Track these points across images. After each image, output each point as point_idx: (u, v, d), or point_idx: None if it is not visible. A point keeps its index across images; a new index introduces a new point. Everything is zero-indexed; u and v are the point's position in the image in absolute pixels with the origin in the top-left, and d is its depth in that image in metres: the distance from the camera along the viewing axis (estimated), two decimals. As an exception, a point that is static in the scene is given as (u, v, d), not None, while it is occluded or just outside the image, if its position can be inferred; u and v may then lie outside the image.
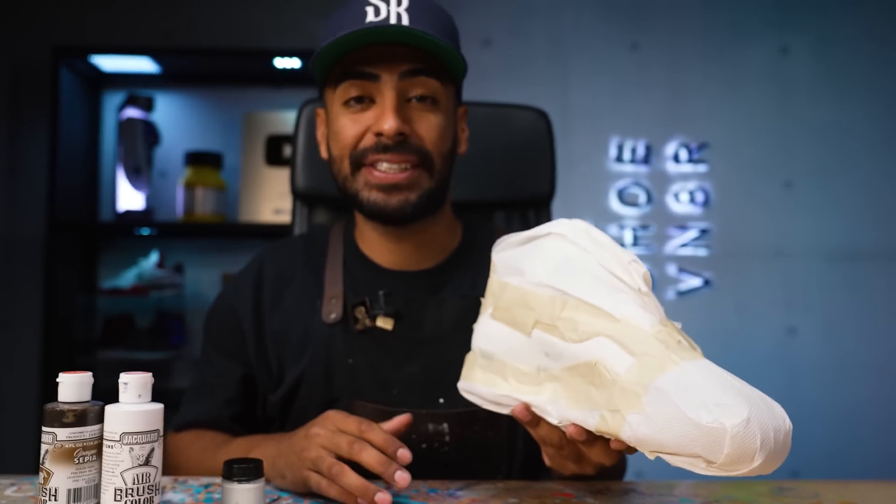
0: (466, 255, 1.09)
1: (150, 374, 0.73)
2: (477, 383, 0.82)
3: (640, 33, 2.64)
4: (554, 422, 0.74)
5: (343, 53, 0.96)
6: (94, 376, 0.73)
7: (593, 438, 0.71)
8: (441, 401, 1.00)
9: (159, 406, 0.72)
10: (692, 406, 0.63)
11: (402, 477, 0.78)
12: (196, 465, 0.99)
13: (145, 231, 2.56)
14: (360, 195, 0.99)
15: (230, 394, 1.06)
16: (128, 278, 2.49)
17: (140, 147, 2.49)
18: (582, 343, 0.71)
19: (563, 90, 2.63)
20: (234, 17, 2.63)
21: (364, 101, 0.97)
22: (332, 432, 0.81)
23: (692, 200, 2.62)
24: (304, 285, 1.07)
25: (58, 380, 0.71)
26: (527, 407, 0.75)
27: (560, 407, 0.73)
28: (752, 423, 0.62)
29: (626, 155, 2.63)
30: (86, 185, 2.58)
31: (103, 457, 0.70)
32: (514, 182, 1.40)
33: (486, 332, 0.83)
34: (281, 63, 2.47)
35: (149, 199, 2.54)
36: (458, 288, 1.05)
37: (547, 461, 0.83)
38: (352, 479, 0.78)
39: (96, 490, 0.71)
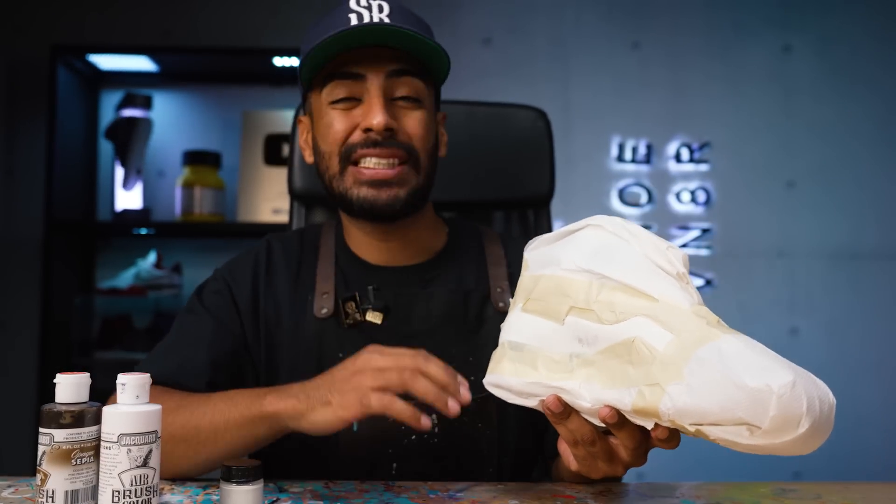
0: (452, 253, 1.11)
1: (148, 374, 0.72)
2: (505, 374, 0.79)
3: (641, 32, 2.64)
4: (587, 405, 0.71)
5: (330, 57, 0.99)
6: (91, 377, 0.72)
7: (623, 422, 0.70)
8: None
9: (157, 407, 0.71)
10: (736, 371, 0.62)
11: (453, 406, 0.78)
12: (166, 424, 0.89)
13: (143, 231, 2.55)
14: (349, 193, 1.01)
15: (217, 357, 1.00)
16: (126, 278, 2.48)
17: (141, 147, 2.49)
18: (619, 324, 0.70)
19: (563, 89, 2.62)
20: (232, 15, 2.63)
21: (351, 101, 0.99)
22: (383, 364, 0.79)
23: (694, 200, 2.62)
24: (298, 279, 1.07)
25: (55, 381, 0.71)
26: (558, 398, 0.73)
27: (594, 389, 0.71)
28: (797, 387, 0.62)
29: (628, 154, 2.62)
30: (83, 185, 2.57)
31: (101, 458, 0.69)
32: (513, 182, 1.39)
33: (517, 325, 0.81)
34: (280, 62, 2.46)
35: (147, 199, 2.54)
36: (446, 284, 1.07)
37: (574, 465, 0.79)
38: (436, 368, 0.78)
39: (94, 491, 0.70)
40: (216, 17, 2.63)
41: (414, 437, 0.99)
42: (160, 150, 2.59)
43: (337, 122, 1.00)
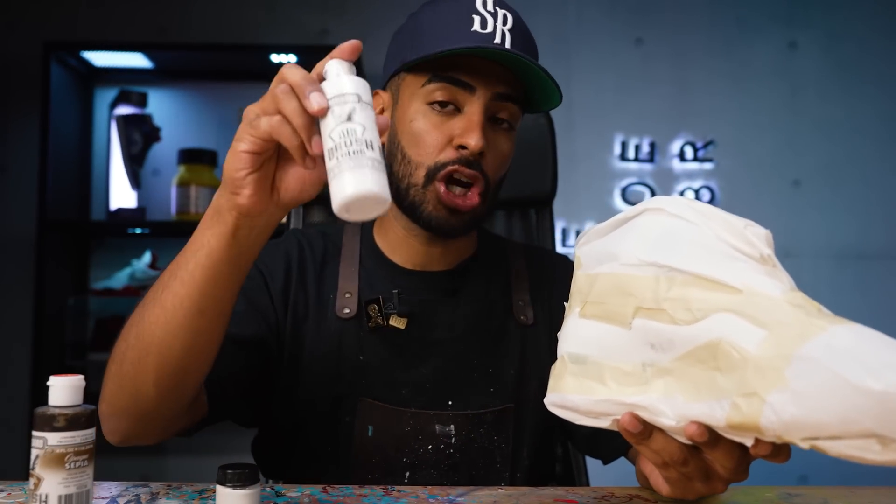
0: (480, 263, 1.09)
1: None
2: (569, 393, 0.68)
3: (644, 28, 2.62)
4: (670, 423, 0.61)
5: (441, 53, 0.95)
6: (85, 379, 0.71)
7: (716, 438, 0.61)
8: (450, 403, 1.00)
9: (364, 81, 0.69)
10: (854, 371, 0.51)
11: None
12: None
13: (138, 230, 2.52)
14: (424, 208, 0.96)
15: (239, 332, 0.93)
16: (120, 279, 2.46)
17: (141, 145, 2.47)
18: (697, 323, 0.60)
19: (566, 87, 2.58)
20: (228, 11, 2.61)
21: (448, 105, 0.94)
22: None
23: (698, 199, 2.59)
24: (322, 277, 1.04)
25: (48, 383, 0.69)
26: (635, 416, 0.63)
27: (677, 403, 0.61)
28: None
29: (631, 153, 2.60)
30: (77, 184, 2.54)
31: (321, 126, 0.67)
32: (515, 181, 1.36)
33: (575, 333, 0.71)
34: (277, 58, 2.44)
35: (142, 198, 2.51)
36: (474, 292, 1.05)
37: (665, 490, 0.73)
38: (294, 73, 0.69)
39: (88, 496, 0.69)
40: (211, 14, 2.60)
41: (430, 446, 0.98)
42: (155, 149, 2.56)
43: (432, 133, 0.94)
